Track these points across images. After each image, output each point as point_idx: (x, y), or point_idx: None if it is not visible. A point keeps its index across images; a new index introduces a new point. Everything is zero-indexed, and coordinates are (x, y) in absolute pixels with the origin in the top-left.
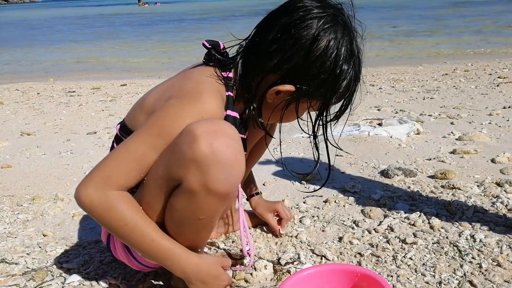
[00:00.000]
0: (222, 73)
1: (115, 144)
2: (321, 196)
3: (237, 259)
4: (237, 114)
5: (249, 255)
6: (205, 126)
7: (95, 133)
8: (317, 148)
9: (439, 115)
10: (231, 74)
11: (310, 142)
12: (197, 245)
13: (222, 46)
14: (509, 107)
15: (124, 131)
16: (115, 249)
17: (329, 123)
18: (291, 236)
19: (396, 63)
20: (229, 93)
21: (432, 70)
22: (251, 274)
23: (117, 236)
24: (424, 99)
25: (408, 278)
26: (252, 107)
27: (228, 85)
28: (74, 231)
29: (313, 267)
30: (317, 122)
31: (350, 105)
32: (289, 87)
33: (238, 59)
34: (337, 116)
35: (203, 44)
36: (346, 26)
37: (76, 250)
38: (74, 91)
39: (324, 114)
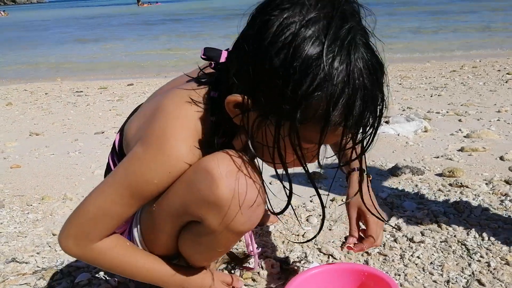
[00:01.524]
0: (212, 91)
1: (110, 160)
2: (328, 194)
3: (243, 259)
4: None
5: (253, 256)
6: (224, 166)
7: (103, 132)
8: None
9: (447, 112)
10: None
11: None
12: (206, 265)
13: (224, 56)
14: None
15: (121, 151)
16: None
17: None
18: (298, 235)
19: (404, 60)
20: (213, 118)
21: (440, 66)
22: (258, 273)
23: (112, 272)
24: (431, 96)
25: (415, 277)
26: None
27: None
28: None
29: (320, 266)
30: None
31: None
32: (235, 98)
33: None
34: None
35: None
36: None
37: None
38: (81, 91)
39: (296, 142)
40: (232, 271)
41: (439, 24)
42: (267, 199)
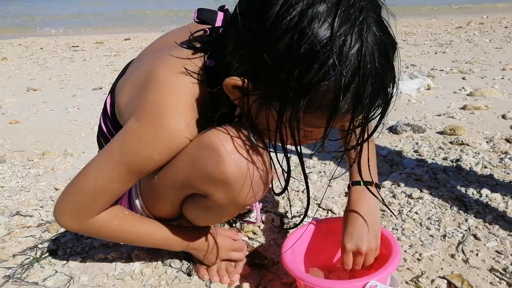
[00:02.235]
0: (208, 60)
1: (102, 122)
2: (329, 152)
3: (244, 213)
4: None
5: (254, 211)
6: (229, 142)
7: (101, 88)
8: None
9: (451, 70)
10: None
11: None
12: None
13: (220, 19)
14: None
15: (113, 117)
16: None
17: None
18: (298, 191)
19: (408, 15)
20: (209, 89)
21: (446, 22)
22: (259, 226)
23: (114, 241)
24: (436, 53)
25: (413, 232)
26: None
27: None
28: None
29: (320, 220)
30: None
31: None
32: (234, 81)
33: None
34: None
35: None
36: None
37: None
38: (77, 46)
39: (295, 130)
40: (234, 225)
41: None
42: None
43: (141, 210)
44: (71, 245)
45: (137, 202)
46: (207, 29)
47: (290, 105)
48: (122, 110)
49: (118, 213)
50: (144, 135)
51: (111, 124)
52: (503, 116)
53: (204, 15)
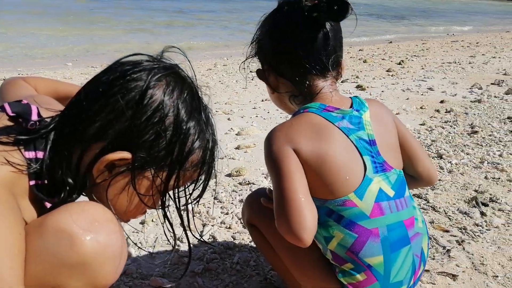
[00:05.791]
0: (27, 152)
1: None
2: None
3: None
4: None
5: None
6: (79, 219)
7: None
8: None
9: (217, 111)
10: (41, 154)
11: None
12: None
13: (35, 113)
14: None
15: None
16: None
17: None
18: None
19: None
20: (34, 182)
21: (198, 65)
22: None
23: None
24: None
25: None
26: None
27: (34, 171)
28: None
29: None
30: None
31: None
32: (121, 155)
33: (49, 129)
34: (198, 194)
35: (5, 109)
36: (184, 78)
37: None
38: None
39: (176, 186)
40: None
41: (186, 20)
42: None
43: None
44: None
45: None
46: (32, 122)
47: (175, 167)
48: None
49: None
50: None
51: None
52: None
53: (18, 108)
